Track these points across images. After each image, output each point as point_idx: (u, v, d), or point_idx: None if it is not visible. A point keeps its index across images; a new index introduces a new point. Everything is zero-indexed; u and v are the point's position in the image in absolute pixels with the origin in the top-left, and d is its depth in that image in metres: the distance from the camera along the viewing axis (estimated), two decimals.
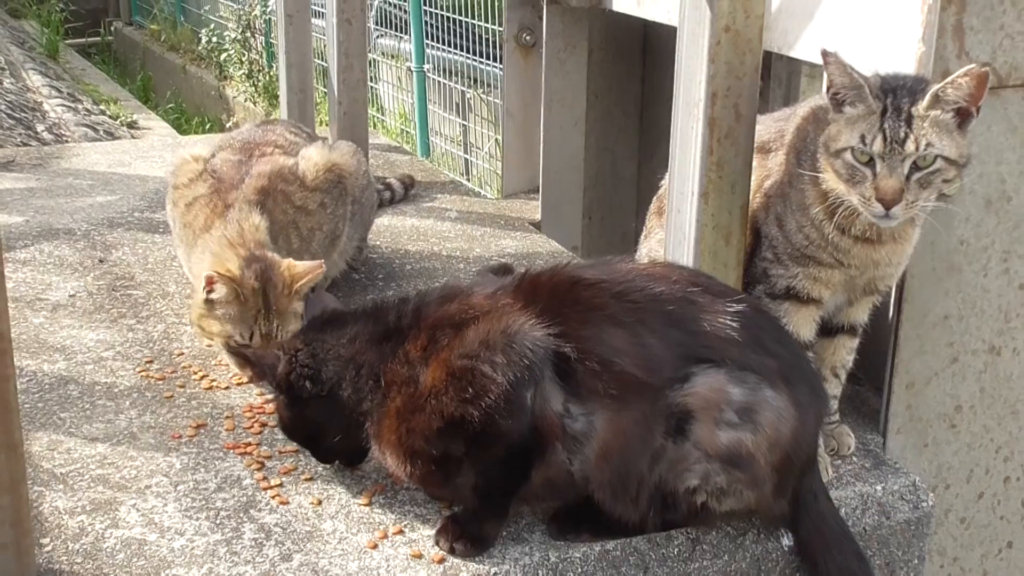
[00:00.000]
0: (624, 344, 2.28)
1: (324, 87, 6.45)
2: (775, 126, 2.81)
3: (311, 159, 3.47)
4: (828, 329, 2.80)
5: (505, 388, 2.21)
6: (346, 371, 2.42)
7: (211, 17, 11.58)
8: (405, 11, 7.69)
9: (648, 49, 4.57)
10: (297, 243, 3.32)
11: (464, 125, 7.12)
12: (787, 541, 2.54)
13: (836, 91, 2.46)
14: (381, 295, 3.66)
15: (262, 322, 3.02)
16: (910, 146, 2.36)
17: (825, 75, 2.47)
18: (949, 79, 2.37)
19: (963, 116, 2.41)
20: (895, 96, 2.40)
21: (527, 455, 2.29)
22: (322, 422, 2.48)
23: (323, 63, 5.87)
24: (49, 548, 2.36)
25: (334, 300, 2.70)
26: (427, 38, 7.40)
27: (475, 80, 6.99)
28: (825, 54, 2.44)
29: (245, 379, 3.08)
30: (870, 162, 2.40)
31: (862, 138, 2.40)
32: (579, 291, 2.35)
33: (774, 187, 2.73)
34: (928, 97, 2.37)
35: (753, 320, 2.35)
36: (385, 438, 2.37)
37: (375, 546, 2.40)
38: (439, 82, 7.34)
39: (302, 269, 3.03)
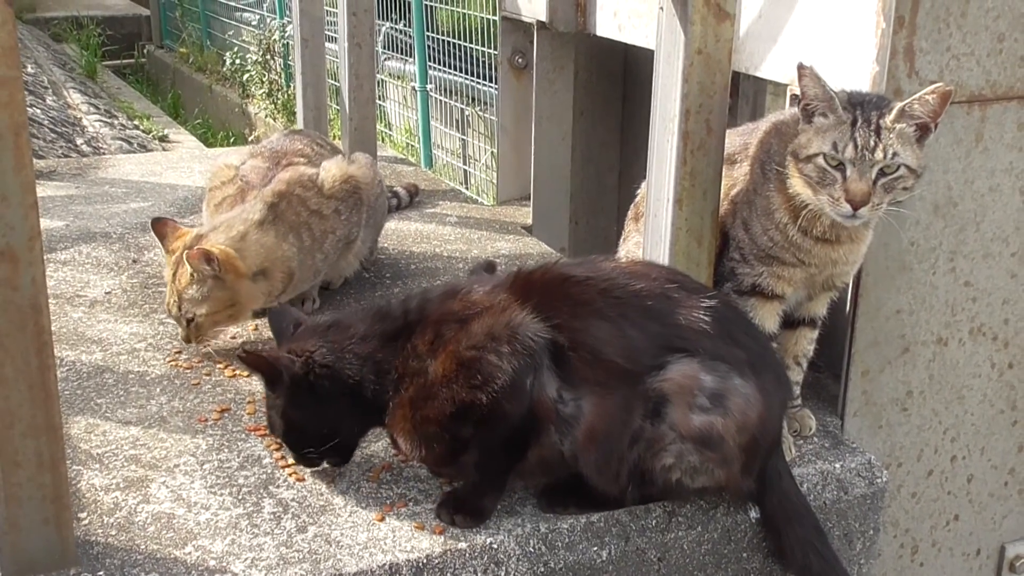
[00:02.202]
0: (609, 335, 2.28)
1: (337, 104, 6.44)
2: (739, 140, 2.81)
3: (330, 170, 3.48)
4: (791, 322, 2.80)
5: (510, 375, 2.22)
6: (366, 369, 2.38)
7: (235, 41, 11.58)
8: (410, 36, 7.69)
9: (628, 70, 4.56)
10: (309, 242, 3.30)
11: (463, 139, 7.11)
12: (755, 514, 2.54)
13: (808, 102, 2.45)
14: (388, 292, 3.66)
15: (167, 292, 3.09)
16: (879, 154, 2.37)
17: (798, 87, 2.46)
18: (916, 96, 2.38)
19: (923, 131, 2.42)
20: (863, 109, 2.40)
21: (525, 436, 2.29)
22: (332, 419, 2.43)
23: (336, 83, 5.85)
24: (86, 522, 2.35)
25: (298, 312, 2.65)
26: (430, 61, 7.40)
27: (473, 99, 6.99)
28: (801, 67, 2.43)
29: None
30: (839, 167, 2.40)
31: (834, 145, 2.39)
32: (569, 287, 2.35)
33: (740, 195, 2.73)
34: (896, 110, 2.38)
35: (724, 314, 2.35)
36: (399, 426, 2.36)
37: (382, 519, 2.39)
38: (441, 100, 7.34)
39: (196, 254, 2.98)
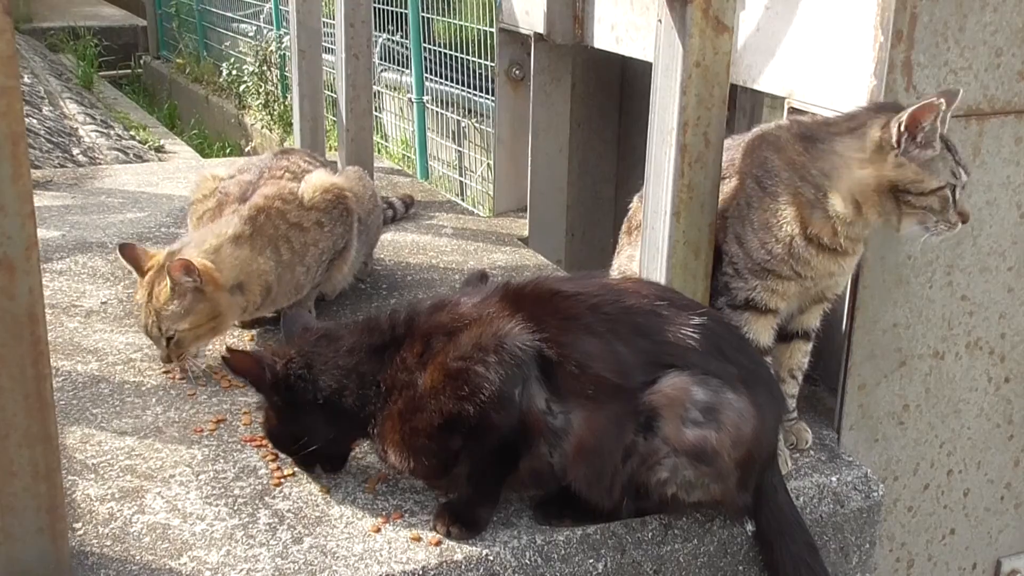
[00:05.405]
0: (598, 350, 2.28)
1: (334, 116, 6.45)
2: (726, 156, 2.80)
3: (311, 182, 3.44)
4: (784, 335, 2.80)
5: (497, 385, 2.21)
6: (348, 380, 2.39)
7: (231, 52, 11.58)
8: (406, 47, 7.69)
9: (625, 82, 4.57)
10: (288, 256, 3.26)
11: (459, 151, 7.11)
12: (751, 527, 2.53)
13: (916, 134, 2.43)
14: (384, 303, 3.66)
15: (143, 314, 3.03)
16: (964, 176, 2.48)
17: (905, 119, 2.40)
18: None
19: None
20: (944, 138, 2.46)
21: (515, 447, 2.29)
22: (315, 428, 2.45)
23: (333, 94, 5.85)
24: (81, 532, 2.35)
25: (312, 317, 2.67)
26: (427, 72, 7.40)
27: (470, 110, 6.99)
28: (935, 103, 2.40)
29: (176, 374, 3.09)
30: (952, 191, 2.46)
31: (953, 174, 2.45)
32: (558, 301, 2.35)
33: (732, 210, 2.73)
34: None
35: (714, 331, 2.35)
36: (388, 438, 2.36)
37: (378, 530, 2.39)
38: (437, 112, 7.34)
39: (177, 266, 2.95)
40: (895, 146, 2.44)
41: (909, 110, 2.39)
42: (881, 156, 2.46)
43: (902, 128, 2.41)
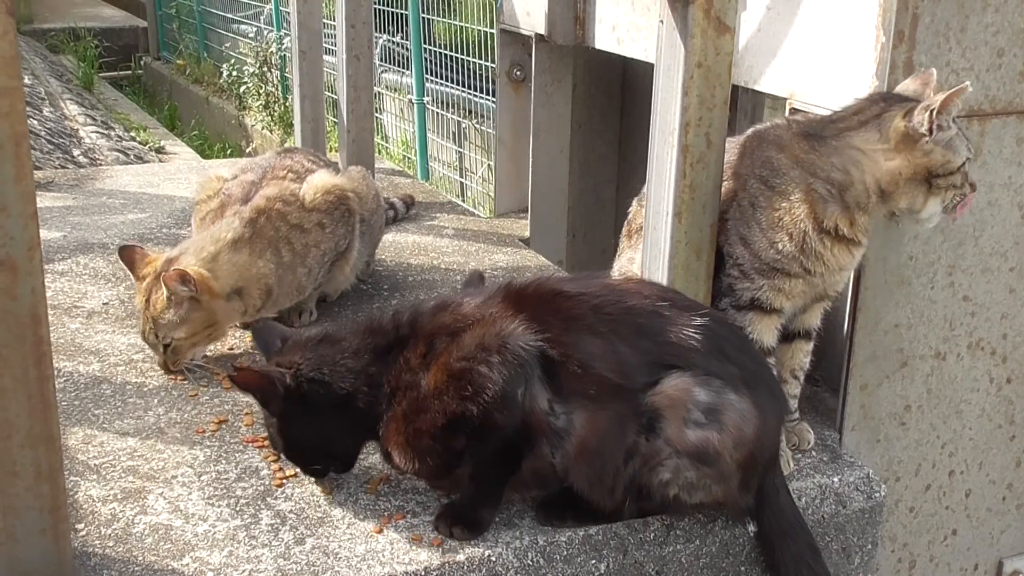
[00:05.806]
0: (600, 351, 2.27)
1: (334, 117, 6.45)
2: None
3: (313, 183, 3.43)
4: (786, 335, 2.79)
5: (500, 385, 2.21)
6: (359, 382, 2.38)
7: (232, 53, 11.59)
8: (407, 48, 7.70)
9: (627, 83, 4.57)
10: (289, 257, 3.26)
11: (460, 152, 7.12)
12: (753, 528, 2.53)
13: (940, 123, 2.46)
14: (386, 304, 3.66)
15: (141, 320, 3.04)
16: (971, 148, 2.56)
17: (936, 106, 2.42)
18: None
19: None
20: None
21: (518, 447, 2.29)
22: (330, 434, 2.44)
23: (333, 95, 5.86)
24: (84, 533, 2.35)
25: (283, 327, 2.64)
26: (427, 73, 7.41)
27: (470, 111, 7.00)
28: (963, 89, 2.45)
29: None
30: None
31: (967, 148, 2.50)
32: (560, 302, 2.35)
33: (733, 212, 2.72)
34: None
35: (717, 332, 2.34)
36: (392, 439, 2.35)
37: (380, 531, 2.39)
38: (438, 113, 7.35)
39: (173, 276, 2.94)
40: (926, 133, 2.46)
41: (940, 98, 2.42)
42: (910, 145, 2.48)
43: (935, 115, 2.43)
